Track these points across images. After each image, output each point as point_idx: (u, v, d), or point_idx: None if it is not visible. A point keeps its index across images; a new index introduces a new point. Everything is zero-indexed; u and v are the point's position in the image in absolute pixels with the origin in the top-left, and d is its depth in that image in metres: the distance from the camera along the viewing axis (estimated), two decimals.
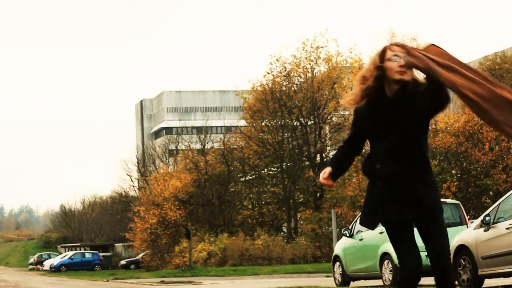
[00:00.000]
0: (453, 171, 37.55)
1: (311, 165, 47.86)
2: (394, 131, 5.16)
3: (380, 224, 5.38)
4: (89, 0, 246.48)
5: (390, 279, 15.15)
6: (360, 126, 5.32)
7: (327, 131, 49.38)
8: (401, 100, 5.15)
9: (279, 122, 48.17)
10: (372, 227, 5.37)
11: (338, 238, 23.95)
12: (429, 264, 5.28)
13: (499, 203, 12.66)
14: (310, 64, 47.22)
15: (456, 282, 12.90)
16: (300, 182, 48.28)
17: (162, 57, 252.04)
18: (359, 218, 5.24)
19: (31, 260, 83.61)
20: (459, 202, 17.06)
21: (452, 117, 38.61)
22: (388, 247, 15.30)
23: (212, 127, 77.89)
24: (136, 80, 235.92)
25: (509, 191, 13.07)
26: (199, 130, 62.11)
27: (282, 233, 48.02)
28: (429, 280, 16.01)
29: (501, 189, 35.22)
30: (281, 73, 47.79)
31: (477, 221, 12.99)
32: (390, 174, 5.16)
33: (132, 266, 62.17)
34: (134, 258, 64.29)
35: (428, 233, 5.23)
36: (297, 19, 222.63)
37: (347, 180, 41.88)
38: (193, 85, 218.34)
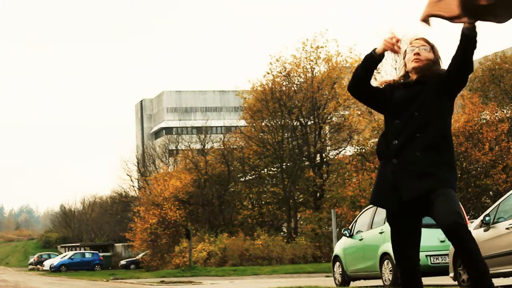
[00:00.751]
0: None
1: (311, 165, 47.86)
2: (412, 108, 5.28)
3: (390, 208, 5.31)
4: (89, 0, 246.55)
5: (390, 279, 15.14)
6: (383, 92, 5.46)
7: (327, 131, 49.38)
8: (421, 82, 5.34)
9: (279, 122, 48.17)
10: (387, 206, 5.32)
11: (338, 238, 23.94)
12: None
13: (499, 203, 12.65)
14: (310, 64, 47.24)
15: (456, 282, 12.89)
16: (300, 182, 48.27)
17: (162, 57, 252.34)
18: (370, 198, 5.21)
19: (31, 260, 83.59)
20: (459, 202, 17.05)
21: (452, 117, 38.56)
22: (388, 247, 15.30)
23: (212, 127, 77.97)
24: (136, 80, 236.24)
25: (509, 191, 13.07)
26: (199, 130, 62.14)
27: (282, 233, 48.01)
28: (429, 280, 16.03)
29: (501, 189, 35.21)
30: (281, 73, 47.81)
31: (477, 221, 12.98)
32: (405, 149, 5.21)
33: (132, 266, 62.17)
34: (134, 258, 64.28)
35: (435, 203, 5.13)
36: (297, 19, 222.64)
37: (347, 180, 41.87)
38: (193, 85, 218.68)
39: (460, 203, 5.22)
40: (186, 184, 51.58)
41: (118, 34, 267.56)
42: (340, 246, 17.84)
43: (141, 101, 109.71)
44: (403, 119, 5.28)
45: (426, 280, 16.59)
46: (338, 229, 31.10)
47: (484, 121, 37.83)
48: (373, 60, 5.37)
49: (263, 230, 46.48)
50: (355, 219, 17.73)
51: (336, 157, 47.58)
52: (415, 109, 5.27)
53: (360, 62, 5.47)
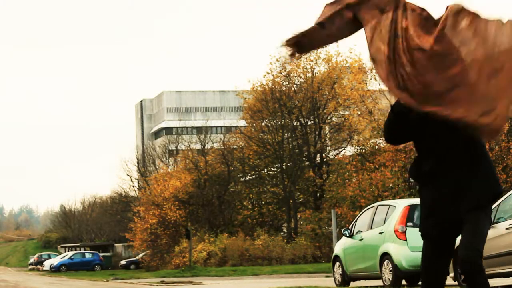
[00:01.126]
0: None
1: (311, 165, 47.85)
2: (430, 126, 5.10)
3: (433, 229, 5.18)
4: (89, 0, 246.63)
5: (390, 279, 15.14)
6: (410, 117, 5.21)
7: (327, 131, 49.37)
8: None
9: (279, 122, 48.16)
10: (431, 233, 5.20)
11: (338, 238, 23.93)
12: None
13: (499, 203, 12.64)
14: (310, 64, 47.24)
15: (456, 282, 12.88)
16: (300, 182, 48.27)
17: (162, 57, 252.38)
18: (418, 227, 5.04)
19: (31, 260, 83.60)
20: (487, 227, 16.98)
21: None
22: (388, 247, 15.29)
23: (212, 127, 77.94)
24: (136, 80, 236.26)
25: (509, 191, 13.06)
26: (199, 130, 62.14)
27: (282, 233, 48.01)
28: None
29: None
30: (281, 73, 47.81)
31: None
32: (439, 172, 5.09)
33: (132, 266, 62.16)
34: (134, 258, 64.28)
35: (464, 226, 5.08)
36: (297, 19, 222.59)
37: (347, 180, 41.85)
38: (193, 85, 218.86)
39: (487, 227, 5.17)
40: (186, 184, 51.58)
41: (118, 34, 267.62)
42: (340, 246, 17.82)
43: (141, 101, 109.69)
44: (426, 139, 5.15)
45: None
46: (338, 229, 31.09)
47: None
48: (402, 115, 5.15)
49: (263, 230, 46.49)
50: (355, 219, 17.72)
51: (336, 157, 47.56)
52: (433, 126, 5.09)
53: (388, 118, 5.22)
